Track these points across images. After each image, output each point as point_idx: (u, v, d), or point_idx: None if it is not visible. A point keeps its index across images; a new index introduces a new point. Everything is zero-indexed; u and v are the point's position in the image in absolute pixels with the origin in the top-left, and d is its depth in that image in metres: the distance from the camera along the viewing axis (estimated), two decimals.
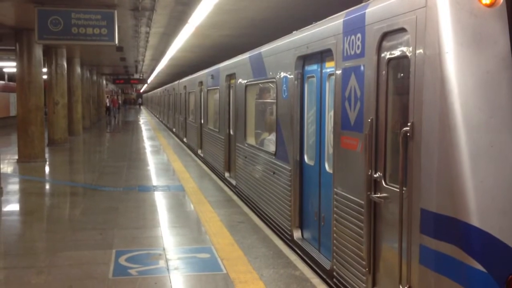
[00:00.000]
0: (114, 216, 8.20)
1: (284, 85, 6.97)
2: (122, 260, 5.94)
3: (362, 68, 4.49)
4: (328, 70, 5.64)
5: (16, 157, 14.92)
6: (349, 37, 4.77)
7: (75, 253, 6.30)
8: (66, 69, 19.83)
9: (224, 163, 11.79)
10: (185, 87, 20.45)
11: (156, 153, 17.25)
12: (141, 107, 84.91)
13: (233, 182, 10.55)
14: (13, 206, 9.48)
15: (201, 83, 15.57)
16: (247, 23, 14.06)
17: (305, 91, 6.45)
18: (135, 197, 9.72)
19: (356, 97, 4.60)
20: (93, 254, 6.24)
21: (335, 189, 5.10)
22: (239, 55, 10.41)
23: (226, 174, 11.61)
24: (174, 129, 25.66)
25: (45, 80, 16.17)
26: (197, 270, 5.66)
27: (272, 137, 7.77)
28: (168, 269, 5.65)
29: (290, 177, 6.64)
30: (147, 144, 20.48)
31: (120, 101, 47.90)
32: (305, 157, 6.45)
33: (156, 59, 28.22)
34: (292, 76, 6.60)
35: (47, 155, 15.67)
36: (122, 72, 38.82)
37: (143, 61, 28.77)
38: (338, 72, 5.00)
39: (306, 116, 6.43)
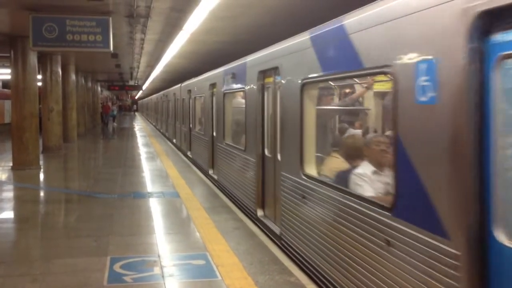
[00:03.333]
0: (108, 223, 8.17)
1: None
2: (117, 267, 5.92)
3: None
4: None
5: (11, 164, 14.87)
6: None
7: (69, 260, 6.28)
8: (61, 75, 19.80)
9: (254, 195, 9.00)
10: (189, 91, 17.87)
11: (151, 160, 17.23)
12: (136, 113, 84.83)
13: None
14: (8, 214, 9.44)
15: (213, 85, 12.99)
16: (242, 29, 14.11)
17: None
18: (130, 204, 9.70)
19: None
20: (88, 261, 6.21)
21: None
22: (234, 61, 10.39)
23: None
24: (174, 140, 23.74)
25: (39, 87, 16.12)
26: (192, 277, 5.65)
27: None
28: (163, 276, 5.63)
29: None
30: (142, 151, 20.44)
31: (114, 107, 46.57)
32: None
33: (151, 66, 28.25)
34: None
35: (41, 162, 15.62)
36: (117, 79, 38.82)
37: (138, 67, 28.78)
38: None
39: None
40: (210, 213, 8.69)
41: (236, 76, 10.02)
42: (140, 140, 26.72)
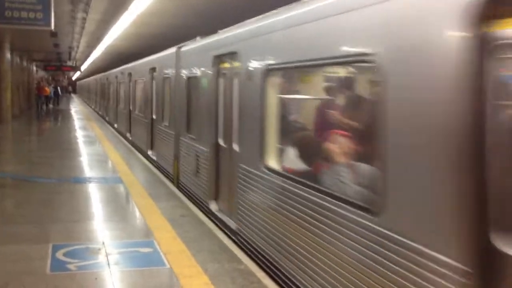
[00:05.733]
0: (49, 209, 7.87)
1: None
2: (59, 255, 5.70)
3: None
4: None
5: None
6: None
7: (9, 247, 5.99)
8: None
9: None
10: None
11: (91, 144, 16.75)
12: (74, 95, 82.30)
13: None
14: None
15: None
16: (189, 12, 13.86)
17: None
18: (70, 189, 9.39)
19: None
20: (29, 248, 5.95)
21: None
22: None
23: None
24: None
25: None
26: (139, 265, 5.52)
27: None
28: (108, 264, 5.48)
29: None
30: (80, 134, 19.84)
31: (52, 88, 43.27)
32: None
33: (92, 47, 27.40)
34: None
35: None
36: (54, 59, 37.40)
37: (77, 47, 27.88)
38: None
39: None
40: (155, 200, 8.53)
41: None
42: (78, 123, 25.93)
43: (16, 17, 10.54)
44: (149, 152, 13.31)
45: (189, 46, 9.73)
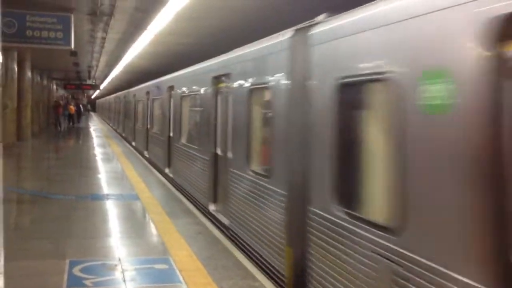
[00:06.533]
0: (66, 225, 7.94)
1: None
2: (76, 271, 5.75)
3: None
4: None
5: None
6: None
7: (26, 263, 6.06)
8: (16, 72, 19.24)
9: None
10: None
11: (109, 161, 16.90)
12: (92, 113, 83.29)
13: None
14: None
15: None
16: (207, 31, 14.05)
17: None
18: (88, 206, 9.47)
19: None
20: (46, 264, 6.02)
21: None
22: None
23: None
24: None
25: None
26: (155, 281, 5.54)
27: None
28: (124, 280, 5.51)
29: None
30: (98, 152, 20.03)
31: (73, 107, 43.16)
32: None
33: (111, 65, 27.79)
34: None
35: None
36: (74, 77, 37.99)
37: (97, 66, 28.27)
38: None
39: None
40: (171, 217, 8.57)
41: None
42: (96, 140, 26.19)
43: (37, 36, 10.79)
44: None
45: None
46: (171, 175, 12.75)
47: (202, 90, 9.57)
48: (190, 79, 10.91)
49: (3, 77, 18.37)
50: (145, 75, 28.71)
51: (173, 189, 11.43)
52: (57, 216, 8.59)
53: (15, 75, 19.09)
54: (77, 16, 11.52)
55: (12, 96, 18.66)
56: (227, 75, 7.89)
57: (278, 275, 5.58)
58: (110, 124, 42.11)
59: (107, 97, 56.02)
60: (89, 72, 31.68)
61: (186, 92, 11.22)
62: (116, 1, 10.58)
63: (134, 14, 11.87)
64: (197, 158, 9.69)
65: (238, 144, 7.24)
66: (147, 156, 17.51)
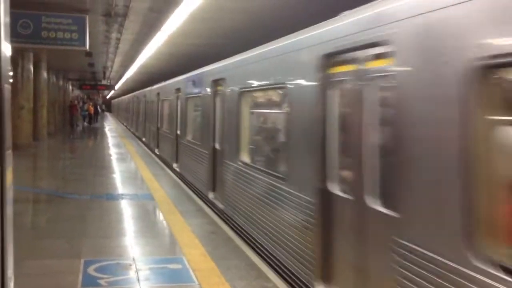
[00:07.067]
0: (81, 224, 8.02)
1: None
2: (91, 270, 5.80)
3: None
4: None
5: None
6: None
7: (41, 262, 6.13)
8: (32, 73, 19.44)
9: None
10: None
11: (123, 161, 17.01)
12: (107, 113, 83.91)
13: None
14: None
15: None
16: (220, 32, 14.09)
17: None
18: (103, 206, 9.54)
19: None
20: (61, 263, 6.07)
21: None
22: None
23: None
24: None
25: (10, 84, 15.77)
26: (169, 281, 5.58)
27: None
28: (138, 280, 5.55)
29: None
30: (113, 151, 20.18)
31: (89, 107, 43.57)
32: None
33: (125, 66, 27.96)
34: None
35: None
36: (89, 78, 38.28)
37: (111, 67, 28.46)
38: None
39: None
40: (185, 216, 8.61)
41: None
42: (111, 140, 26.36)
43: (52, 37, 10.89)
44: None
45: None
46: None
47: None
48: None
49: (19, 78, 18.58)
50: (159, 76, 28.86)
51: (187, 189, 11.49)
52: (72, 215, 8.67)
53: (31, 76, 19.27)
54: (92, 17, 11.61)
55: (28, 97, 18.84)
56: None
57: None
58: (124, 124, 42.39)
59: (121, 98, 56.47)
60: (104, 72, 31.89)
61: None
62: (130, 2, 10.64)
63: (148, 15, 11.93)
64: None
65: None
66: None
